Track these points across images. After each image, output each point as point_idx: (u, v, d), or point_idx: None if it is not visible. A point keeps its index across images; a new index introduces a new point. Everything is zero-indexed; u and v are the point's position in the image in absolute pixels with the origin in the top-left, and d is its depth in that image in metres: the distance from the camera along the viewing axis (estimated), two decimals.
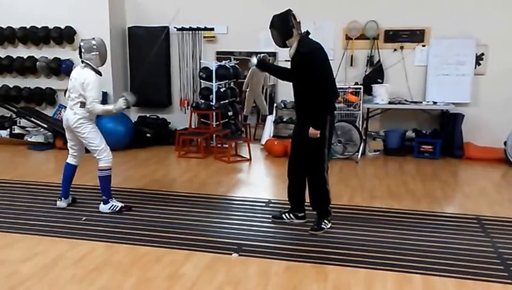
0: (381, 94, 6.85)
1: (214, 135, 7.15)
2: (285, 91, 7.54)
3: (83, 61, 4.40)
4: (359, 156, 6.73)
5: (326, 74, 3.86)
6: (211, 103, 7.16)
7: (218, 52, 7.75)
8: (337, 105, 6.93)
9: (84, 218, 4.44)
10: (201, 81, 7.45)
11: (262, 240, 3.96)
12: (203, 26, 7.64)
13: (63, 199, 4.73)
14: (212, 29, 7.63)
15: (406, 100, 7.00)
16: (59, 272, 3.41)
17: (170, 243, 3.89)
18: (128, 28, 7.87)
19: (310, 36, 3.96)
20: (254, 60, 4.28)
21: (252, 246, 3.84)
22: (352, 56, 7.20)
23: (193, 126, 7.37)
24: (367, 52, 7.14)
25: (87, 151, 4.68)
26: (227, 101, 7.30)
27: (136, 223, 4.32)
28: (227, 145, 6.92)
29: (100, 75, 4.42)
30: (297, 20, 3.89)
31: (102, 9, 7.52)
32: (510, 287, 3.18)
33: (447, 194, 5.28)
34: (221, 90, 7.29)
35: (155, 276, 3.33)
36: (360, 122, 6.95)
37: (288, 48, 3.93)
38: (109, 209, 4.55)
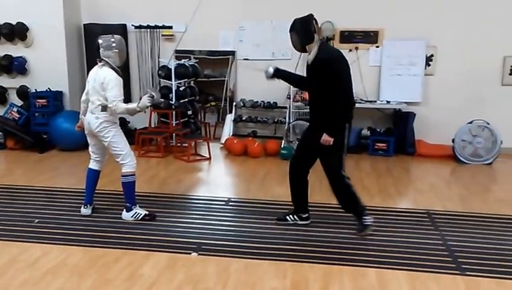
0: None
1: (174, 134, 7.13)
2: (245, 89, 7.63)
3: (100, 60, 4.21)
4: None
5: (348, 81, 3.82)
6: (171, 102, 7.14)
7: (177, 51, 7.71)
8: (294, 104, 7.16)
9: (37, 220, 4.33)
10: (161, 80, 7.40)
11: (222, 238, 3.99)
12: (161, 24, 7.59)
13: (88, 205, 4.47)
14: (171, 27, 7.59)
15: (361, 99, 7.20)
16: (11, 276, 3.33)
17: (129, 243, 3.87)
18: (84, 25, 7.70)
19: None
20: (271, 69, 4.13)
21: (212, 245, 3.87)
22: None
23: (153, 125, 7.32)
24: None
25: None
26: (186, 100, 7.29)
27: (92, 224, 4.27)
28: (187, 145, 6.92)
29: (119, 74, 4.20)
30: (319, 26, 3.86)
31: (56, 5, 7.31)
32: (458, 277, 3.34)
33: (400, 190, 5.51)
34: (181, 89, 7.28)
35: (113, 277, 3.31)
36: None
37: (307, 53, 3.87)
38: (132, 217, 4.33)
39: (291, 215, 4.28)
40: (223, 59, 7.77)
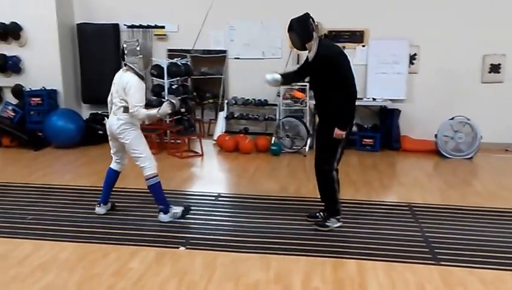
0: None
1: (168, 131, 7.30)
2: (236, 87, 7.80)
3: (125, 64, 4.19)
4: (307, 149, 7.09)
5: (350, 74, 3.91)
6: (163, 100, 7.27)
7: (169, 50, 7.86)
8: (284, 101, 7.35)
9: (29, 217, 4.41)
10: (153, 78, 7.54)
11: (210, 233, 4.09)
12: (153, 24, 7.73)
13: (102, 205, 4.49)
14: (163, 27, 7.73)
15: None
16: (2, 271, 3.39)
17: (118, 239, 3.93)
18: (77, 24, 7.81)
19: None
20: (269, 77, 4.22)
21: (200, 239, 3.96)
22: (298, 55, 7.48)
23: (146, 122, 7.45)
24: None
25: None
26: (179, 98, 7.43)
27: (82, 220, 4.34)
28: (180, 141, 7.10)
29: (143, 79, 4.18)
30: (316, 23, 3.93)
31: (49, 4, 7.43)
32: (433, 267, 3.48)
33: (384, 183, 5.71)
34: (173, 87, 7.42)
35: (101, 272, 3.38)
36: (308, 118, 7.30)
37: (307, 51, 3.97)
38: (171, 217, 4.32)
39: (321, 213, 4.33)
40: (218, 57, 7.92)
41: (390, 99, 7.33)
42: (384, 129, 7.35)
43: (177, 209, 4.37)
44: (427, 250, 3.80)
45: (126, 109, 4.12)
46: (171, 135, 7.31)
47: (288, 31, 3.98)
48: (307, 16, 3.96)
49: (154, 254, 3.66)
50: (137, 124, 4.27)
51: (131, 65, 4.15)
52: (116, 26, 7.73)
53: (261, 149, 7.18)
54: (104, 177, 4.49)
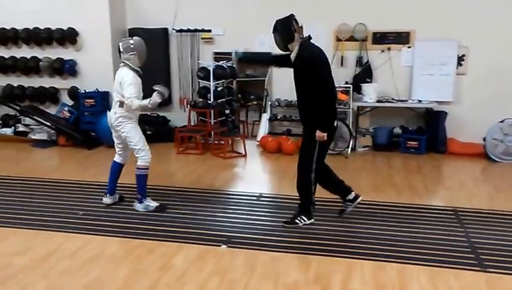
0: (370, 93, 7.19)
1: (212, 132, 7.46)
2: (280, 89, 7.88)
3: (122, 62, 4.50)
4: (349, 151, 7.08)
5: (329, 76, 3.98)
6: (209, 102, 7.48)
7: (215, 53, 8.04)
8: None
9: (81, 212, 4.62)
10: (200, 80, 7.74)
11: (251, 232, 4.19)
12: (200, 28, 7.94)
13: (108, 195, 4.81)
14: (210, 30, 7.91)
15: (393, 99, 7.33)
16: (53, 264, 3.56)
17: (163, 235, 4.08)
18: (129, 29, 8.11)
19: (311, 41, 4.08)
20: (233, 55, 4.51)
21: (241, 238, 4.05)
22: (342, 57, 7.52)
23: (192, 124, 7.68)
24: (356, 53, 7.46)
25: None
26: (224, 99, 7.61)
27: (131, 216, 4.53)
28: (224, 142, 7.25)
29: (139, 74, 4.47)
30: (300, 25, 4.03)
31: (103, 11, 7.76)
32: (479, 274, 3.40)
33: (428, 187, 5.62)
34: (219, 89, 7.60)
35: (146, 267, 3.50)
36: (350, 120, 7.28)
37: (290, 52, 4.08)
38: (143, 208, 4.62)
39: (343, 204, 4.48)
40: None
41: (437, 101, 7.17)
42: (429, 131, 7.21)
43: (152, 203, 4.65)
44: (473, 256, 3.72)
45: (122, 104, 4.45)
46: (215, 136, 7.48)
47: (273, 31, 4.08)
48: (290, 18, 4.04)
49: (197, 251, 3.77)
50: (132, 117, 4.56)
51: (126, 61, 4.46)
52: (165, 31, 7.99)
53: None
54: (109, 170, 4.80)
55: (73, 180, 5.57)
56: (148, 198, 4.68)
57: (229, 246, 3.89)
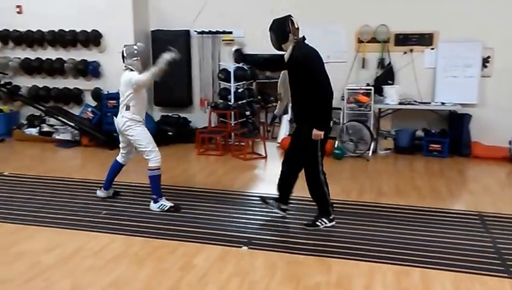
0: (392, 95, 7.12)
1: (232, 134, 7.49)
2: None
3: (125, 66, 4.59)
4: (370, 154, 7.03)
5: (324, 75, 4.00)
6: (229, 103, 7.51)
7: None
8: (348, 105, 7.32)
9: (104, 212, 4.69)
10: (220, 82, 7.80)
11: (272, 234, 4.19)
12: (221, 30, 7.98)
13: (102, 189, 5.01)
14: (231, 32, 7.95)
15: (415, 101, 7.24)
16: (78, 262, 3.63)
17: (184, 236, 4.11)
18: (151, 31, 8.21)
19: (306, 41, 4.13)
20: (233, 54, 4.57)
21: (262, 239, 4.05)
22: (363, 58, 7.47)
23: (212, 125, 7.71)
24: (378, 55, 7.41)
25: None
26: (245, 101, 7.64)
27: (153, 217, 4.57)
28: (244, 143, 7.27)
29: None
30: (296, 26, 4.05)
31: (127, 13, 7.87)
32: (505, 281, 3.33)
33: (452, 191, 5.53)
34: (239, 90, 7.63)
35: (168, 267, 3.53)
36: (372, 122, 7.23)
37: (284, 52, 4.13)
38: (158, 208, 4.67)
39: (273, 201, 4.55)
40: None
41: (461, 104, 7.06)
42: (453, 135, 7.10)
43: (167, 203, 4.70)
44: (499, 262, 3.65)
45: (128, 107, 4.54)
46: (236, 138, 7.50)
47: (269, 30, 4.13)
48: (286, 18, 4.07)
49: (218, 252, 3.78)
50: (140, 120, 4.62)
51: (130, 66, 4.54)
52: (187, 33, 8.05)
53: None
54: (110, 167, 4.98)
55: (95, 180, 5.64)
56: (163, 198, 4.73)
57: (249, 248, 3.90)
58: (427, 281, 3.35)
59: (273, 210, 4.56)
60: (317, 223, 4.27)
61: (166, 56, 4.35)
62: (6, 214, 4.66)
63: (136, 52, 4.56)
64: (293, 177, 4.39)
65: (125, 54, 4.58)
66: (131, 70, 4.55)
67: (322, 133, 4.04)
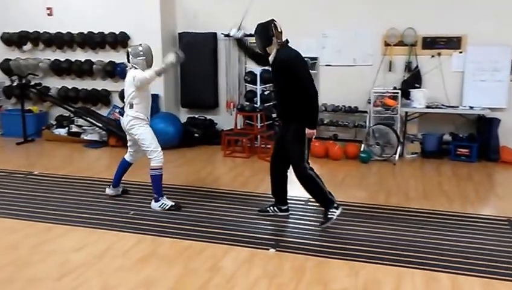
0: (419, 98, 7.06)
1: (258, 136, 7.53)
2: (327, 94, 7.85)
3: (131, 65, 4.73)
4: (396, 157, 6.98)
5: (307, 77, 4.14)
6: (256, 105, 7.56)
7: None
8: (374, 108, 7.29)
9: (132, 212, 4.76)
10: (247, 84, 7.84)
11: (299, 236, 4.19)
12: (248, 33, 8.00)
13: (111, 187, 5.15)
14: None
15: (442, 105, 7.16)
16: (108, 261, 3.67)
17: (212, 237, 4.13)
18: (179, 33, 8.29)
19: (289, 44, 4.26)
20: (233, 31, 4.63)
21: (289, 242, 4.06)
22: (390, 62, 7.43)
23: (238, 127, 7.76)
24: (405, 58, 7.36)
25: None
26: (271, 103, 7.67)
27: (180, 217, 4.62)
28: (270, 146, 7.29)
29: None
30: (279, 30, 4.22)
31: (155, 16, 7.97)
32: None
33: (480, 196, 5.47)
34: (266, 93, 7.67)
35: (197, 268, 3.56)
36: (398, 126, 7.18)
37: (269, 55, 4.26)
38: (159, 207, 4.78)
39: (271, 207, 4.69)
40: (310, 64, 7.96)
41: (489, 108, 6.97)
42: (481, 139, 7.01)
43: (167, 202, 4.79)
44: None
45: (132, 105, 4.65)
46: (262, 140, 7.54)
47: (254, 34, 4.31)
48: (269, 22, 4.24)
49: (245, 254, 3.80)
50: (144, 118, 4.71)
51: (135, 66, 4.67)
52: (214, 35, 8.12)
53: (350, 156, 7.18)
54: (118, 165, 5.11)
55: (123, 180, 5.72)
56: (163, 197, 4.83)
57: (277, 250, 3.92)
58: (456, 287, 3.32)
59: (278, 214, 4.66)
60: (329, 216, 4.33)
61: (170, 57, 4.48)
62: (37, 213, 4.77)
63: (141, 52, 4.70)
64: (285, 177, 4.57)
65: (130, 54, 4.70)
66: (136, 68, 4.68)
67: (315, 131, 4.21)
